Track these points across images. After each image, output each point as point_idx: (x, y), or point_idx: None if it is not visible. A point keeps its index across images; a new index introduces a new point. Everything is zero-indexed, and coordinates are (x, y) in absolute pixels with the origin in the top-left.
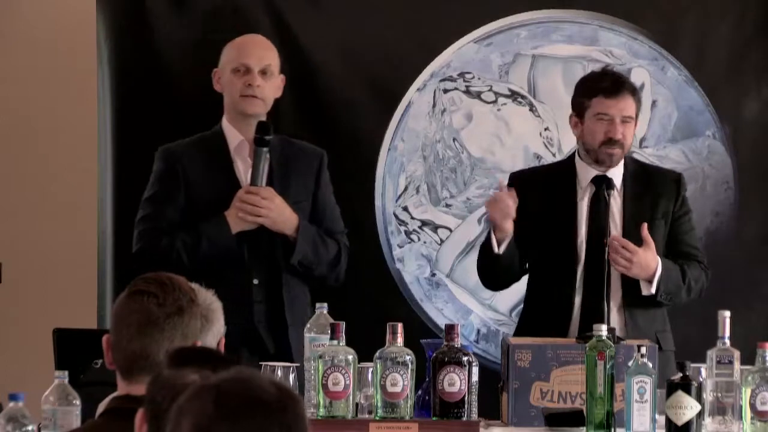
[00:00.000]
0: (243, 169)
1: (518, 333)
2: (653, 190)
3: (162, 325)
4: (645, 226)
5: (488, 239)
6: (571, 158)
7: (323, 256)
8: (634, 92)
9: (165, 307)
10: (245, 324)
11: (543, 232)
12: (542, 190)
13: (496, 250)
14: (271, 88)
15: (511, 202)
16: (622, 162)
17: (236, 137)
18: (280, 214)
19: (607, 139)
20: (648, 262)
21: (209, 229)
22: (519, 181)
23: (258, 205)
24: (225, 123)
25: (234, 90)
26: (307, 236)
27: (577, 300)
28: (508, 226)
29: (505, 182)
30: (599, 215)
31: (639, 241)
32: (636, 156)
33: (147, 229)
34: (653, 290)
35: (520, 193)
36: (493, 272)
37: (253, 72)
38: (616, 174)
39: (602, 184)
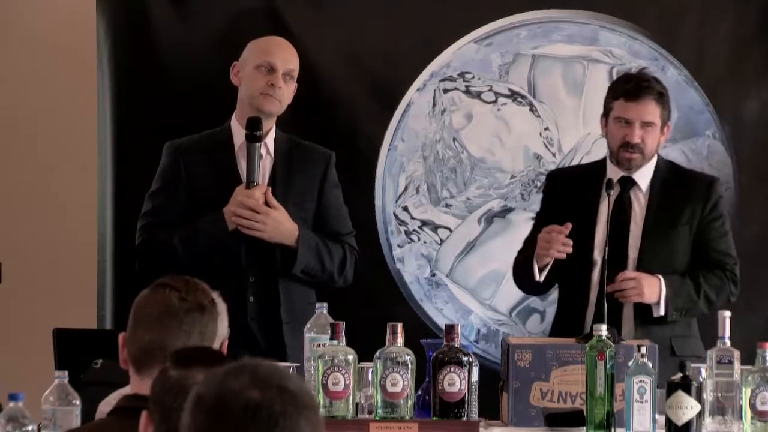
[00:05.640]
0: (245, 168)
1: (553, 334)
2: (682, 195)
3: (182, 318)
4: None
5: (529, 266)
6: (604, 158)
7: (327, 264)
8: (661, 97)
9: (186, 302)
10: (238, 321)
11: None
12: (574, 189)
13: (537, 278)
14: (289, 92)
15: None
16: (653, 164)
17: (242, 135)
18: (276, 229)
19: (625, 143)
20: (651, 283)
21: (206, 226)
22: (554, 179)
23: (254, 219)
24: (233, 121)
25: (254, 86)
26: (309, 246)
27: (591, 302)
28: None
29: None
30: (618, 217)
31: (659, 244)
32: (674, 158)
33: (148, 224)
34: (662, 311)
35: (555, 192)
36: (532, 287)
37: (278, 72)
38: (644, 175)
39: (627, 186)
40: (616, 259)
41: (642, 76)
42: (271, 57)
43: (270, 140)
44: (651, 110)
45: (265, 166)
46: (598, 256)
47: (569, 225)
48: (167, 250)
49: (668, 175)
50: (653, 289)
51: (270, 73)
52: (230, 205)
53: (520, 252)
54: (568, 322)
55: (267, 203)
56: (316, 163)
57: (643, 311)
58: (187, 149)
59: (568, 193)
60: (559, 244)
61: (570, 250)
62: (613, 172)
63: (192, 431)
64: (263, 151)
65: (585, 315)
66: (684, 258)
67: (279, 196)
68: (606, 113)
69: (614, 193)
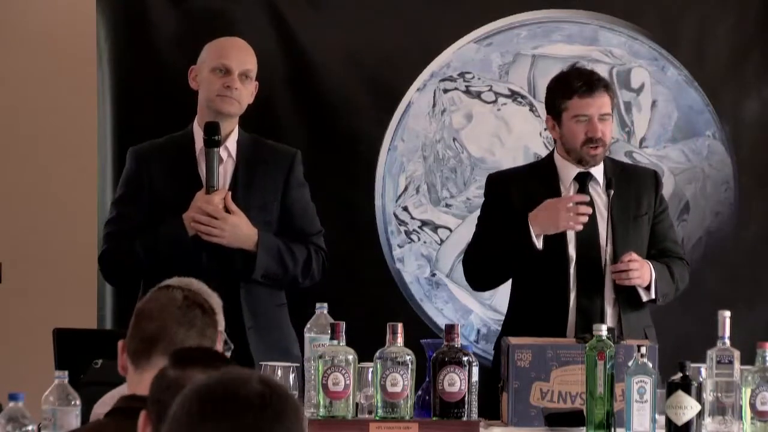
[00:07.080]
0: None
1: (507, 333)
2: (634, 188)
3: (184, 309)
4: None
5: (524, 239)
6: (549, 157)
7: (290, 267)
8: (608, 87)
9: (188, 300)
10: None
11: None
12: (524, 190)
13: (539, 247)
14: (247, 92)
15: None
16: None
17: (202, 139)
18: (233, 234)
19: (588, 139)
20: (646, 268)
21: (167, 232)
22: (499, 182)
23: (211, 225)
24: (195, 125)
25: (211, 89)
26: (268, 250)
27: (572, 298)
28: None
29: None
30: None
31: (628, 235)
32: (613, 155)
33: (112, 232)
34: (653, 295)
35: (501, 195)
36: (503, 272)
37: (233, 74)
38: (598, 170)
39: (586, 181)
40: (592, 253)
41: (585, 71)
42: (225, 59)
43: (232, 142)
44: (606, 102)
45: (226, 170)
46: (573, 251)
47: (585, 196)
48: (130, 257)
49: (614, 168)
50: (647, 274)
51: (226, 75)
52: (190, 211)
53: (473, 249)
54: (544, 324)
55: (227, 208)
56: (279, 163)
57: (623, 302)
58: (150, 155)
59: (521, 193)
60: (583, 212)
61: (588, 215)
62: (566, 169)
63: (197, 420)
64: (224, 155)
65: (567, 311)
66: (645, 248)
67: (240, 199)
68: (557, 114)
69: (574, 190)
